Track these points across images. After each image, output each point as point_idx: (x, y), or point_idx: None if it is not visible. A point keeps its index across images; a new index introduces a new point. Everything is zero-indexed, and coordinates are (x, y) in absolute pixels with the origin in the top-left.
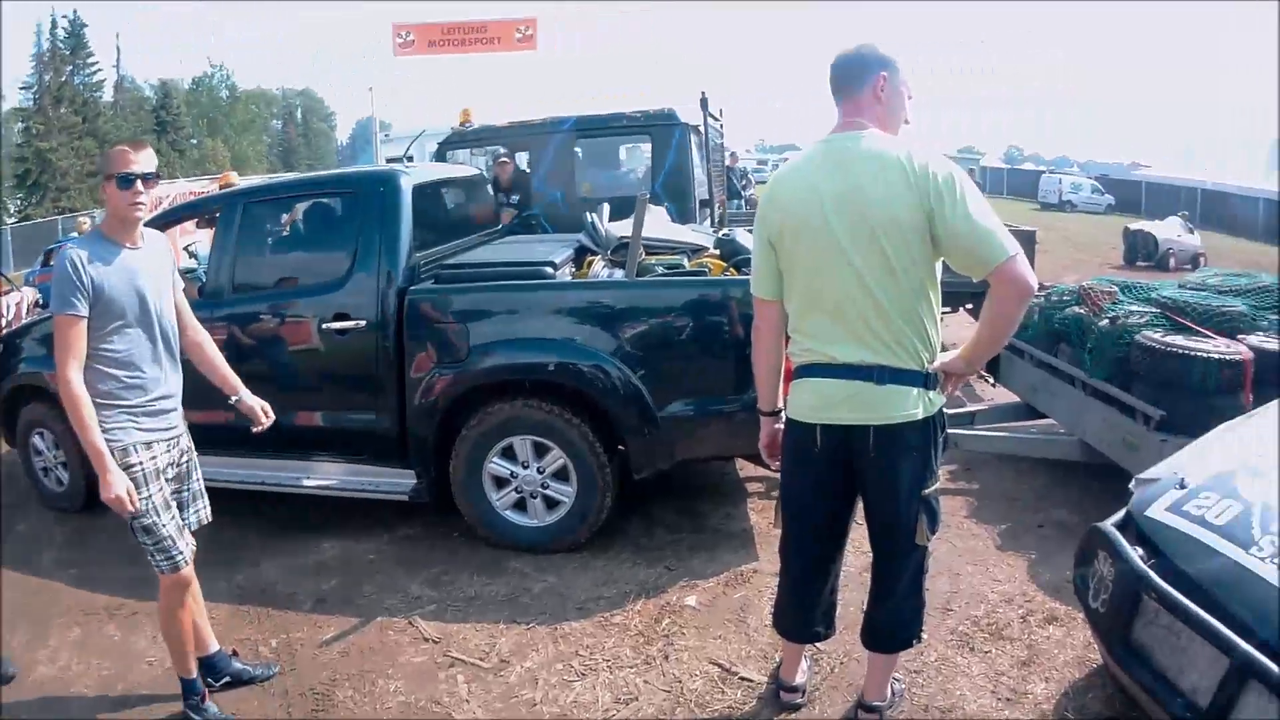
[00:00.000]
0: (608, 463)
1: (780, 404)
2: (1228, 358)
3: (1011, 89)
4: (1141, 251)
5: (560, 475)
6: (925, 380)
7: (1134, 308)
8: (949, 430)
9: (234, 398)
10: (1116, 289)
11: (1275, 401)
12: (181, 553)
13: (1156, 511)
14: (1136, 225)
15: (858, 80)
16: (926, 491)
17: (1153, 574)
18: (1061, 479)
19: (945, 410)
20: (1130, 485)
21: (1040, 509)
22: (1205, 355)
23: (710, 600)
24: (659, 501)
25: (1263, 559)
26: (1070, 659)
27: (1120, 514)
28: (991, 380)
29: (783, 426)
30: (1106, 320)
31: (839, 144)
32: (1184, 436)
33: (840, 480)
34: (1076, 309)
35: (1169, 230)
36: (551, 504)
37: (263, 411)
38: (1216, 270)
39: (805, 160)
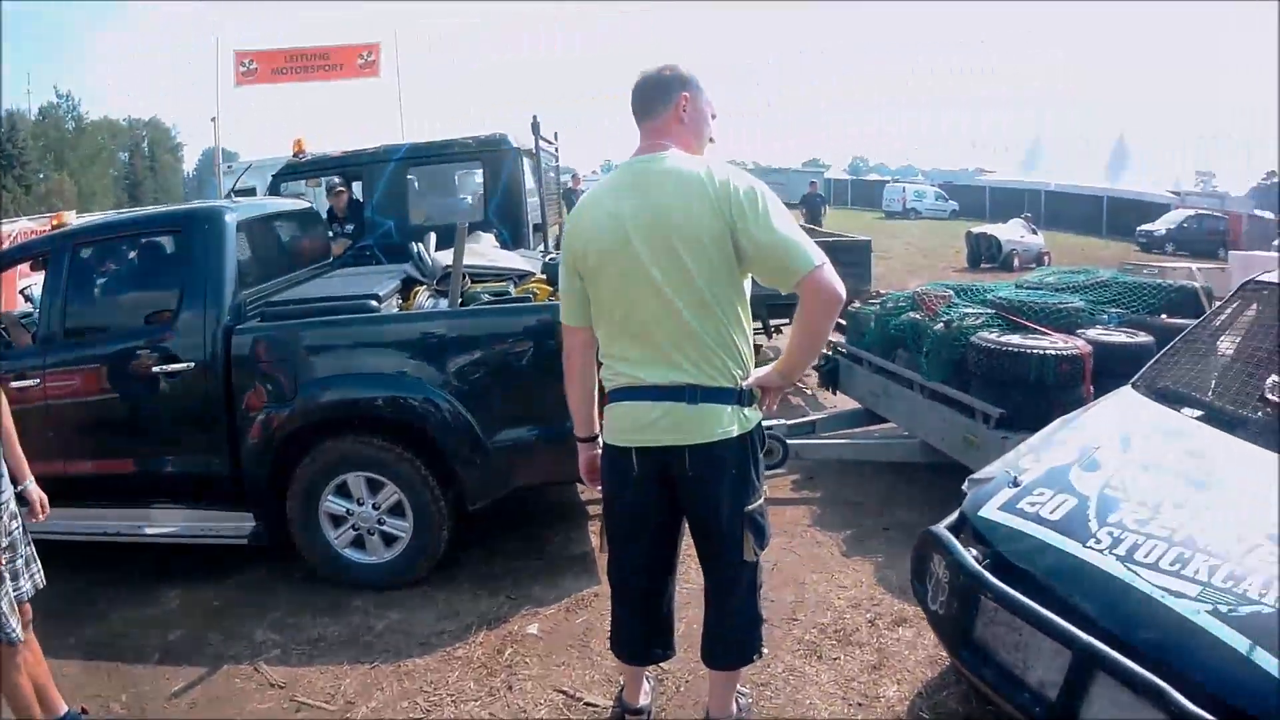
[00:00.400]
0: (443, 495)
1: (596, 429)
2: (1064, 353)
3: (858, 100)
4: (985, 254)
5: (396, 510)
6: (739, 397)
7: (969, 310)
8: (790, 441)
9: (20, 485)
10: (951, 293)
11: (1108, 395)
12: (14, 628)
13: (990, 511)
14: (979, 229)
15: (660, 102)
16: (750, 508)
17: (987, 573)
18: (905, 481)
19: (765, 425)
20: (964, 486)
21: (884, 512)
22: (1041, 352)
23: (552, 627)
24: (500, 529)
25: (1100, 551)
26: (922, 659)
27: (954, 515)
28: (810, 390)
29: (600, 451)
30: (941, 324)
31: (640, 166)
32: (1025, 432)
33: (662, 501)
34: (913, 314)
35: (1012, 232)
36: (390, 540)
37: (41, 507)
38: (1055, 269)
39: (607, 185)
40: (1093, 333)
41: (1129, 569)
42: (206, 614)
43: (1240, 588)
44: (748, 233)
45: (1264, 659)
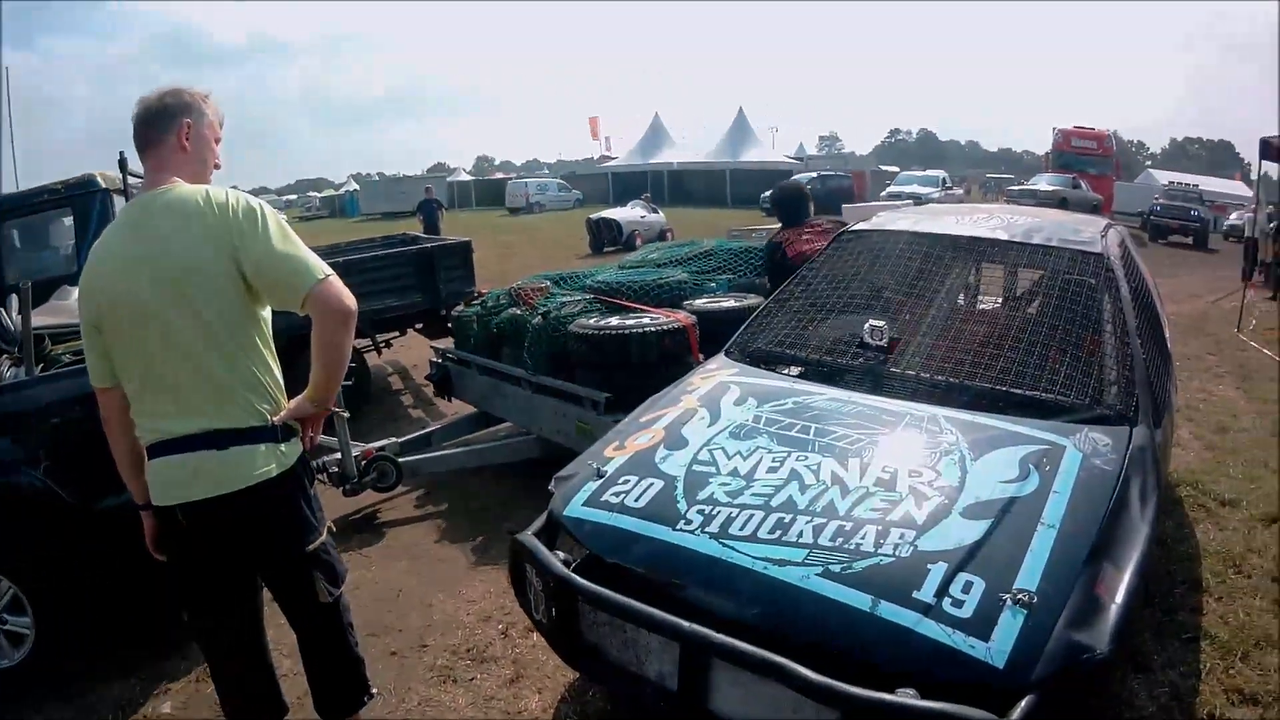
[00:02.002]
0: (66, 577)
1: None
2: (665, 328)
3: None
4: (607, 237)
5: (15, 606)
6: (273, 434)
7: (567, 299)
8: (403, 460)
9: None
10: (549, 283)
11: (698, 368)
12: None
13: (576, 508)
14: (598, 214)
15: (161, 131)
16: (312, 548)
17: (576, 576)
18: (531, 479)
19: (378, 445)
20: (550, 485)
21: (509, 514)
22: (641, 330)
23: (185, 701)
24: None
25: (692, 532)
26: (560, 664)
27: (541, 518)
28: (345, 411)
29: None
30: (540, 316)
31: (144, 204)
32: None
33: (224, 558)
34: (513, 310)
35: (632, 214)
36: (16, 639)
37: None
38: (659, 245)
39: (113, 229)
40: (700, 302)
41: (725, 546)
42: None
43: (851, 543)
44: (249, 254)
45: (893, 612)
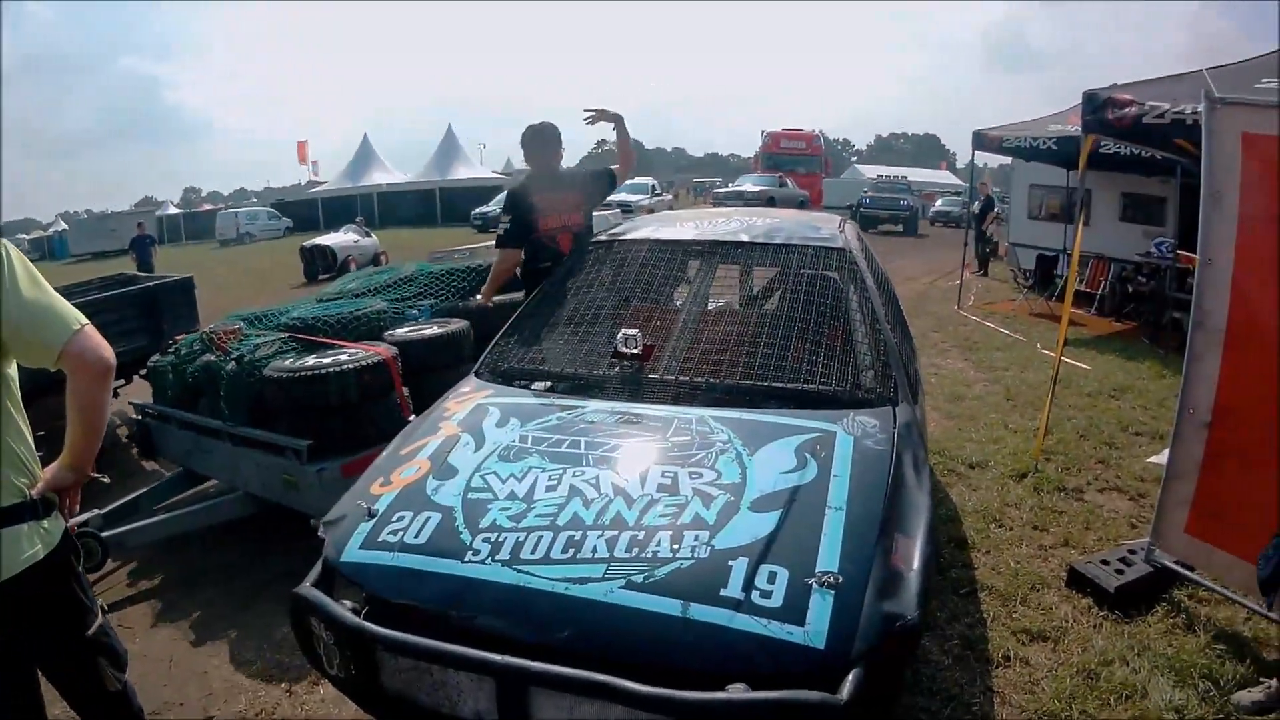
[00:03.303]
0: None
1: None
2: (364, 363)
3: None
4: (321, 265)
5: None
6: (34, 510)
7: (261, 339)
8: (107, 534)
9: None
10: (241, 325)
11: (450, 392)
12: None
13: (353, 552)
14: (311, 241)
15: None
16: (91, 632)
17: (368, 624)
18: (253, 536)
19: (78, 521)
20: (319, 532)
21: (246, 573)
22: (339, 369)
23: None
24: None
25: (482, 561)
26: (358, 713)
27: (317, 568)
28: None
29: None
30: (233, 362)
31: None
32: (341, 458)
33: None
34: (208, 356)
35: (345, 239)
36: None
37: None
38: (356, 274)
39: None
40: (402, 332)
41: (519, 571)
42: None
43: (648, 551)
44: None
45: (705, 613)
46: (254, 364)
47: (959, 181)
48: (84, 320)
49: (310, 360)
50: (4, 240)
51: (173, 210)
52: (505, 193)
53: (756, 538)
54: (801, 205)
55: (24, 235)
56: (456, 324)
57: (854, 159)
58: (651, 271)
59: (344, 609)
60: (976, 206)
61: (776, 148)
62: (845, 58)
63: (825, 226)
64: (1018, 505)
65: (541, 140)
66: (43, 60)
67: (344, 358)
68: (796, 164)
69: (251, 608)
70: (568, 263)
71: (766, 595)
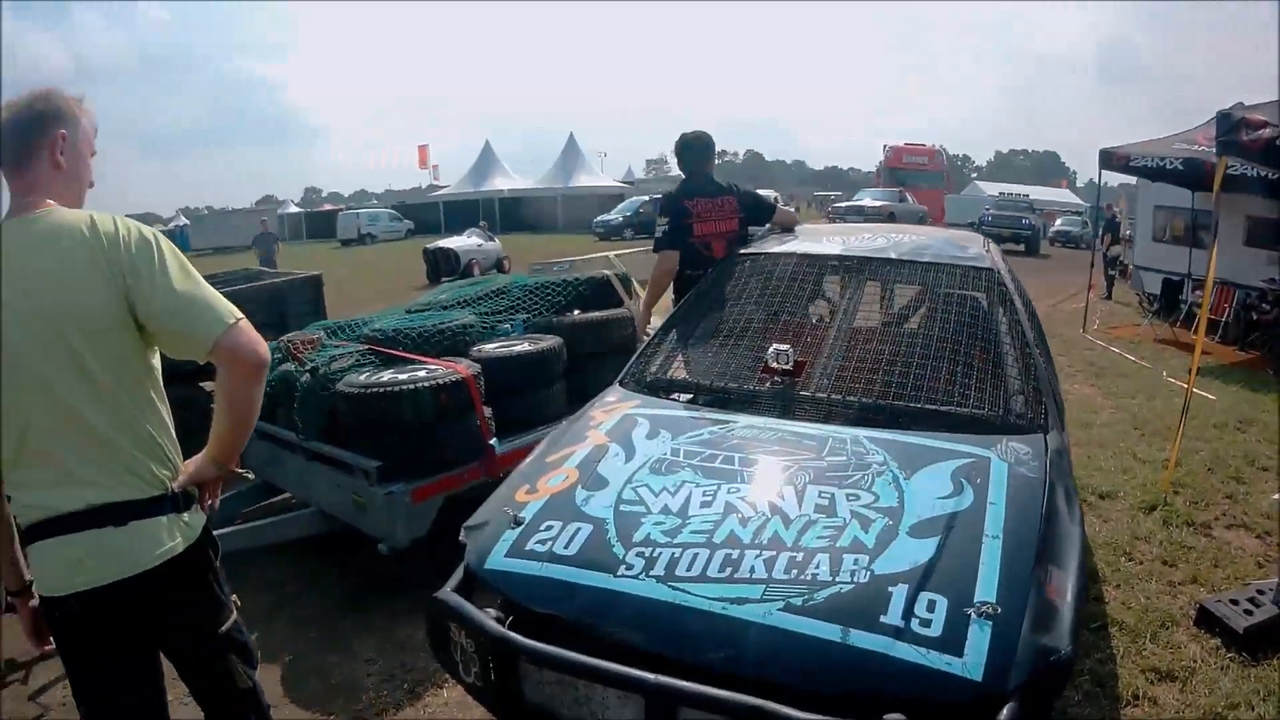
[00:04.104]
0: None
1: (28, 577)
2: (442, 381)
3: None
4: (444, 267)
5: None
6: (174, 503)
7: (338, 351)
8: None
9: None
10: (322, 334)
11: (596, 400)
12: None
13: (498, 560)
14: (434, 244)
15: (31, 144)
16: (225, 629)
17: (514, 635)
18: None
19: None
20: (460, 536)
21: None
22: (412, 388)
23: None
24: None
25: (635, 577)
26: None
27: (459, 574)
28: (249, 473)
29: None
30: (308, 373)
31: (16, 232)
32: (413, 482)
33: (126, 649)
34: (286, 366)
35: (468, 242)
36: None
37: None
38: (448, 285)
39: None
40: (490, 348)
41: (674, 589)
42: None
43: (807, 574)
44: (144, 297)
45: (865, 639)
46: (329, 377)
47: (1079, 200)
48: (238, 314)
49: (386, 376)
50: (154, 229)
51: (293, 209)
52: (662, 197)
53: (915, 564)
54: (921, 221)
55: None
56: (549, 341)
57: (974, 175)
58: (800, 286)
59: (488, 618)
60: (1101, 227)
61: (899, 162)
62: (950, 70)
63: (972, 245)
64: (1147, 539)
65: (697, 147)
66: (155, 60)
67: (421, 374)
68: (918, 179)
69: (372, 607)
70: (713, 274)
71: (926, 624)
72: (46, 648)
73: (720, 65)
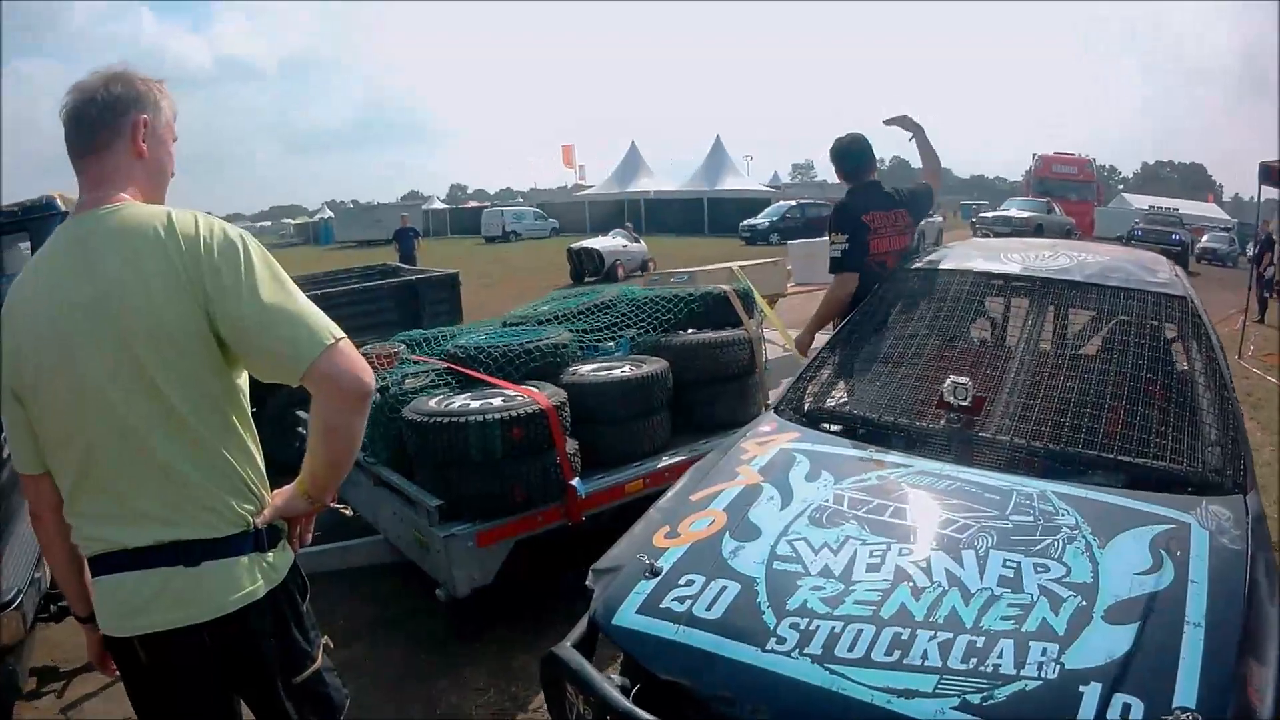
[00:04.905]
0: None
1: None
2: (515, 413)
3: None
4: (589, 267)
5: None
6: (256, 540)
7: (415, 369)
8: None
9: None
10: (402, 347)
11: (747, 430)
12: None
13: (628, 617)
14: (579, 244)
15: (108, 129)
16: (301, 678)
17: (643, 714)
18: None
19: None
20: (588, 581)
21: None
22: (481, 419)
23: None
24: None
25: (787, 654)
26: None
27: (582, 625)
28: (346, 508)
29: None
30: (378, 392)
31: (81, 230)
32: (478, 524)
33: (196, 695)
34: None
35: (613, 243)
36: None
37: None
38: (554, 295)
39: (41, 263)
40: (586, 370)
41: (830, 673)
42: None
43: (988, 664)
44: (228, 309)
45: None
46: (400, 399)
47: (1225, 216)
48: (339, 333)
49: (457, 403)
50: (243, 232)
51: (438, 205)
52: (833, 211)
53: (1111, 658)
54: (1068, 234)
55: (290, 220)
56: (652, 364)
57: (1120, 186)
58: (975, 309)
59: (613, 687)
60: (1253, 246)
61: (1047, 172)
62: (1097, 79)
63: (1160, 269)
64: None
65: (855, 152)
66: (299, 63)
67: (496, 403)
68: (1068, 190)
69: (484, 630)
70: (878, 292)
71: None
72: (111, 674)
73: (865, 70)
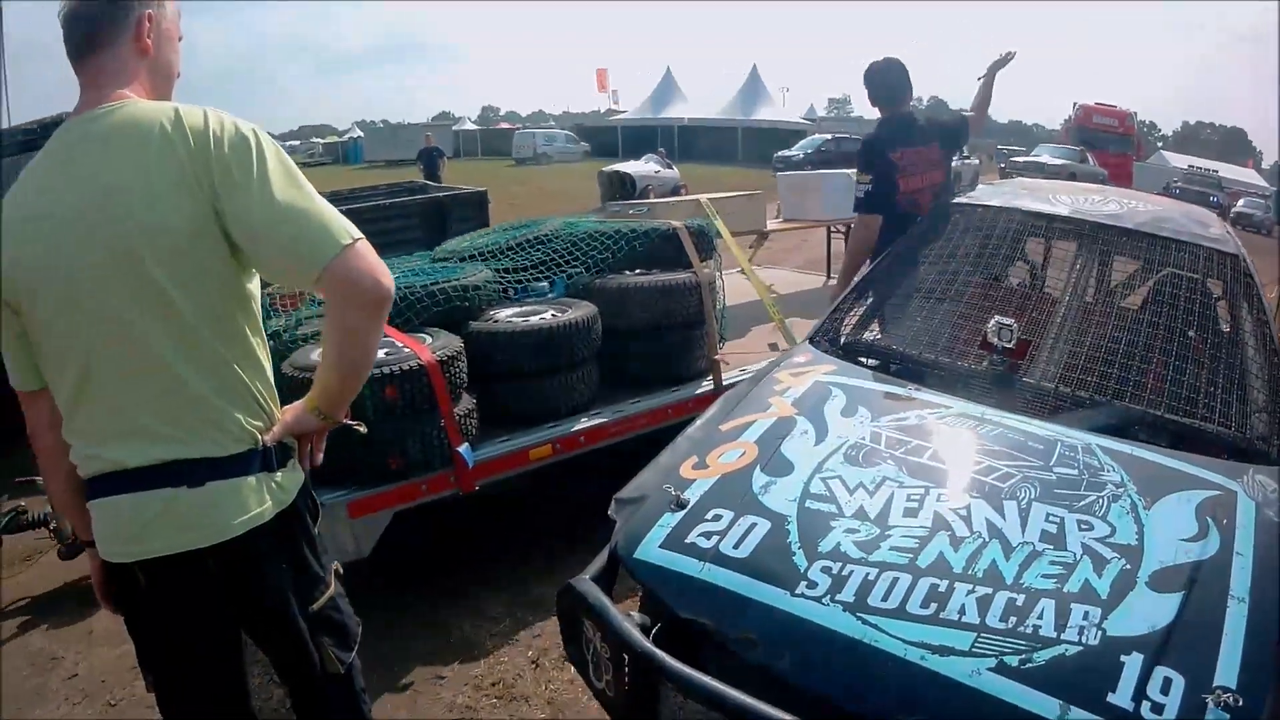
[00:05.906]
0: None
1: None
2: (389, 370)
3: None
4: (620, 191)
5: None
6: (265, 460)
7: (310, 313)
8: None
9: None
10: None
11: (782, 358)
12: None
13: (651, 551)
14: (612, 167)
15: (111, 24)
16: (316, 606)
17: (664, 656)
18: None
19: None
20: (610, 511)
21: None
22: None
23: None
24: None
25: (818, 600)
26: None
27: (603, 556)
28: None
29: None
30: (271, 338)
31: (79, 130)
32: (350, 492)
33: (200, 619)
34: (272, 319)
35: (645, 168)
36: None
37: None
38: (490, 229)
39: (39, 164)
40: (504, 315)
41: (863, 623)
42: None
43: (1028, 625)
44: (236, 207)
45: None
46: (289, 346)
47: (1264, 183)
48: (356, 233)
49: (315, 356)
50: (255, 127)
51: (469, 126)
52: (861, 146)
53: (1154, 627)
54: (1102, 184)
55: (319, 139)
56: (576, 310)
57: (1159, 144)
58: (1021, 249)
59: (633, 626)
60: None
61: (1088, 122)
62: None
63: (1212, 224)
64: None
65: (891, 78)
66: None
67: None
68: (1107, 142)
69: (500, 559)
70: (923, 224)
71: (1158, 709)
72: (117, 612)
73: (911, 9)
